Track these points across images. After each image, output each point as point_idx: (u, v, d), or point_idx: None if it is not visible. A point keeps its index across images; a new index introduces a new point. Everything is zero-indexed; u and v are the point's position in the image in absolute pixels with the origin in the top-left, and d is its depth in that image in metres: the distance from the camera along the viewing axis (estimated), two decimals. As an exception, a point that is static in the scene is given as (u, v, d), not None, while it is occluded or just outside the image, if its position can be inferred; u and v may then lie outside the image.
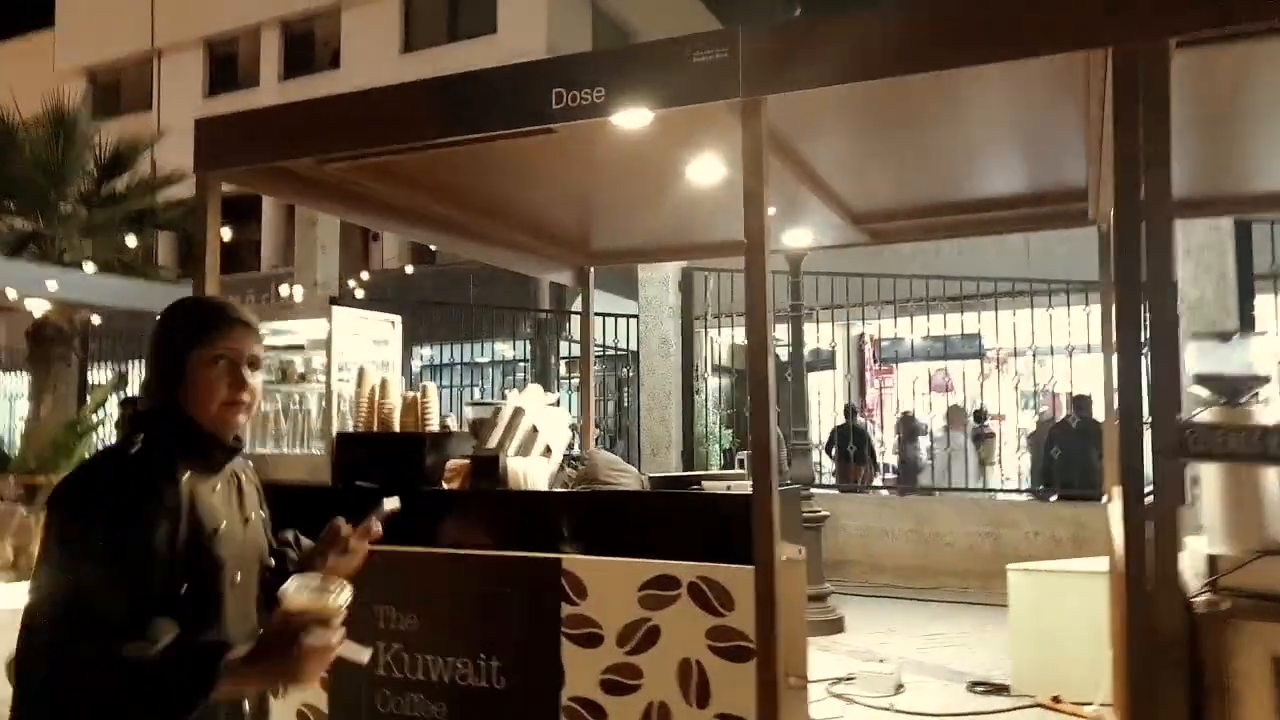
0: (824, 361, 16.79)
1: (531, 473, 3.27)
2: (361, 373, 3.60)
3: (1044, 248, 13.17)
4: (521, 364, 16.22)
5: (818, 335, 12.25)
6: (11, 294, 5.96)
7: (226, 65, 25.40)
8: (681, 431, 10.83)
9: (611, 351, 14.65)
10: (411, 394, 3.56)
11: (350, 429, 3.60)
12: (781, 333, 15.10)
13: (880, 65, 2.73)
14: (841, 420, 12.11)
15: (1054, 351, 14.35)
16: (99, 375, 12.88)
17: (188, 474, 1.63)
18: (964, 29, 2.63)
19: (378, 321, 3.84)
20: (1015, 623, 5.43)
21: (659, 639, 2.83)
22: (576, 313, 15.92)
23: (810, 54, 2.82)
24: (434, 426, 3.49)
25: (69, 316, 9.94)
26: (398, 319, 3.94)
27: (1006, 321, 10.57)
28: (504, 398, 3.51)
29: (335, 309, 3.61)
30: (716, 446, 11.42)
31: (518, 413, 3.35)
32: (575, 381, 15.42)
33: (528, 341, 16.20)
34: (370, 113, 3.49)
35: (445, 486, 3.39)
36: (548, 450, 3.48)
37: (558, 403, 3.57)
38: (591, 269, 6.54)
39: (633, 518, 3.02)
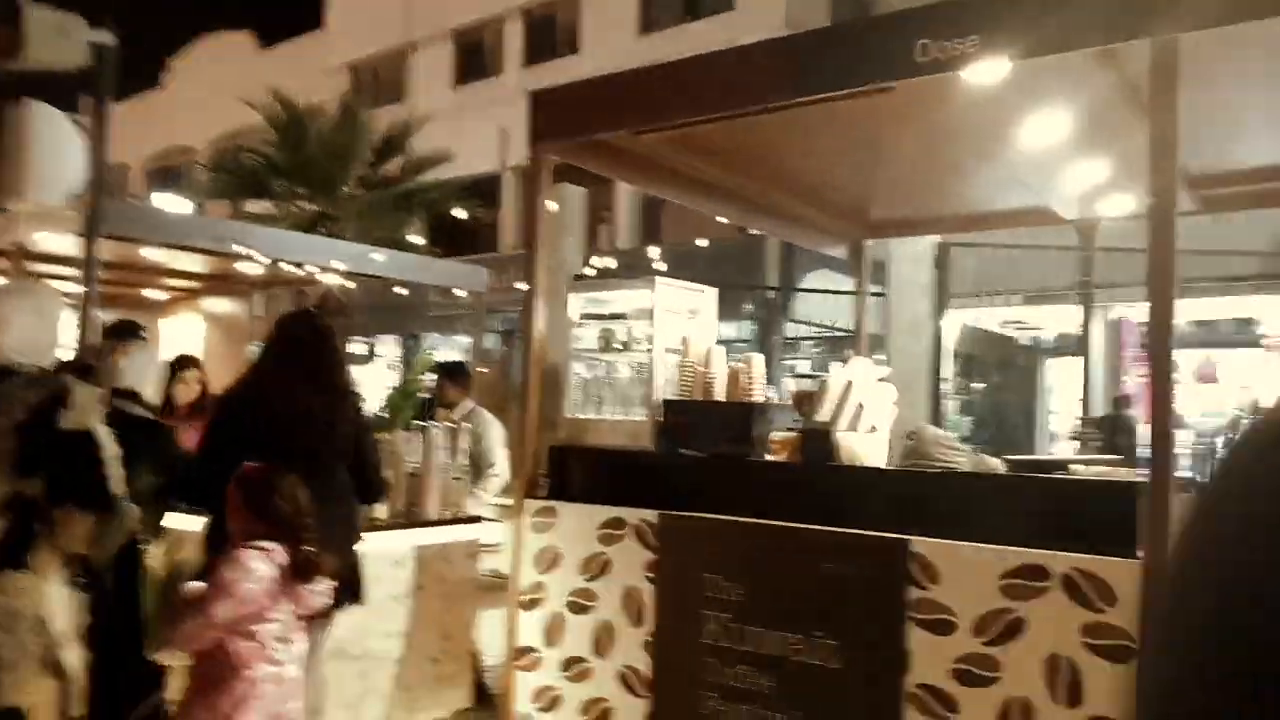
0: (1072, 346, 15.59)
1: (866, 449, 3.16)
2: (686, 342, 3.61)
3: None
4: (740, 344, 16.13)
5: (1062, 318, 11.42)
6: (336, 266, 6.48)
7: (473, 55, 26.74)
8: (930, 418, 10.38)
9: (839, 333, 14.27)
10: (736, 364, 3.53)
11: (673, 397, 3.62)
12: (1027, 314, 14.20)
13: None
14: (1110, 410, 11.20)
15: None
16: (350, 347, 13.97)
17: None
18: None
19: (691, 293, 3.83)
20: None
21: (1023, 631, 2.64)
22: (805, 290, 15.62)
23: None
24: (758, 398, 3.45)
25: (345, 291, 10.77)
26: (713, 291, 3.93)
27: None
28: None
29: (658, 280, 3.63)
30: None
31: (848, 386, 3.24)
32: (791, 364, 15.20)
33: (751, 320, 16.07)
34: (709, 77, 3.45)
35: (771, 458, 3.34)
36: (873, 427, 3.35)
37: (887, 378, 3.43)
38: (867, 241, 6.34)
39: (990, 501, 2.83)
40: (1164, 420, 2.52)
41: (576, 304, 3.91)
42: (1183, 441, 13.61)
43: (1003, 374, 15.27)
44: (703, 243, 12.91)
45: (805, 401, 3.42)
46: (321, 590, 2.68)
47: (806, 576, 3.04)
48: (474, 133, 21.79)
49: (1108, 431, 10.82)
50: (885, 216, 6.15)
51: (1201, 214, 5.18)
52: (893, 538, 2.86)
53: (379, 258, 6.54)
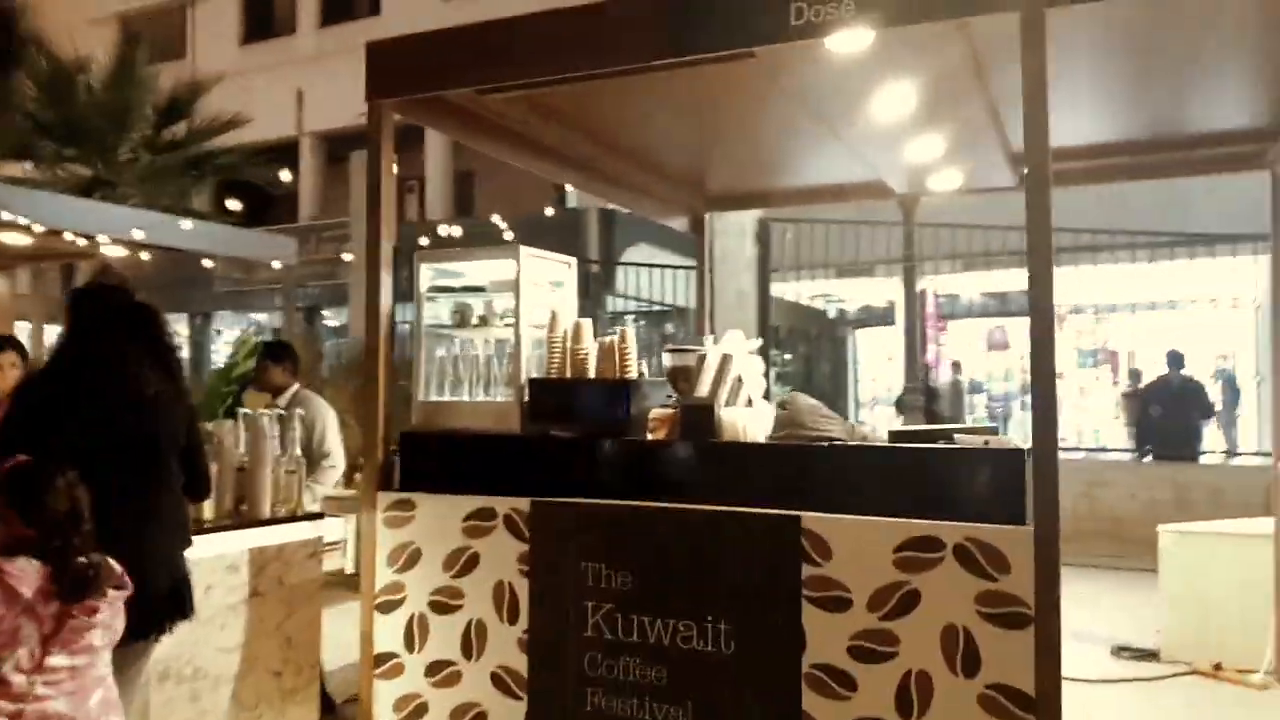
0: (877, 318, 16.50)
1: (750, 424, 3.06)
2: (554, 316, 3.37)
3: (1119, 200, 12.80)
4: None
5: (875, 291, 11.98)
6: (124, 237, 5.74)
7: (262, 11, 24.92)
8: (757, 388, 10.59)
9: (658, 307, 14.38)
10: (609, 339, 3.33)
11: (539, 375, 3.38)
12: (835, 287, 14.81)
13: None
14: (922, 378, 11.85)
15: (1116, 309, 14.00)
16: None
17: None
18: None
19: (555, 263, 3.60)
20: (1167, 587, 5.22)
21: (919, 604, 2.62)
22: (627, 264, 15.64)
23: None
24: (633, 374, 3.28)
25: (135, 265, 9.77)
26: (574, 260, 3.70)
27: (1070, 277, 10.23)
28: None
29: (523, 249, 3.37)
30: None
31: (726, 360, 3.12)
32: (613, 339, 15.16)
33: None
34: (562, 34, 3.22)
35: (650, 437, 3.18)
36: (749, 401, 3.26)
37: (758, 351, 3.34)
38: (707, 214, 6.30)
39: (880, 473, 2.79)
40: (1047, 390, 2.55)
41: (426, 275, 3.58)
42: (979, 403, 14.65)
43: (813, 345, 15.90)
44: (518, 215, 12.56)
45: (681, 376, 3.28)
46: (104, 610, 2.28)
47: (694, 560, 2.91)
48: (266, 95, 20.33)
49: (925, 398, 11.45)
50: (724, 189, 6.13)
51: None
52: (784, 515, 2.78)
53: (185, 225, 5.86)
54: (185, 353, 21.57)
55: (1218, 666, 4.92)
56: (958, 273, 11.50)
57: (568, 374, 3.32)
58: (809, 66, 3.58)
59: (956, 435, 2.81)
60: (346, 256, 10.75)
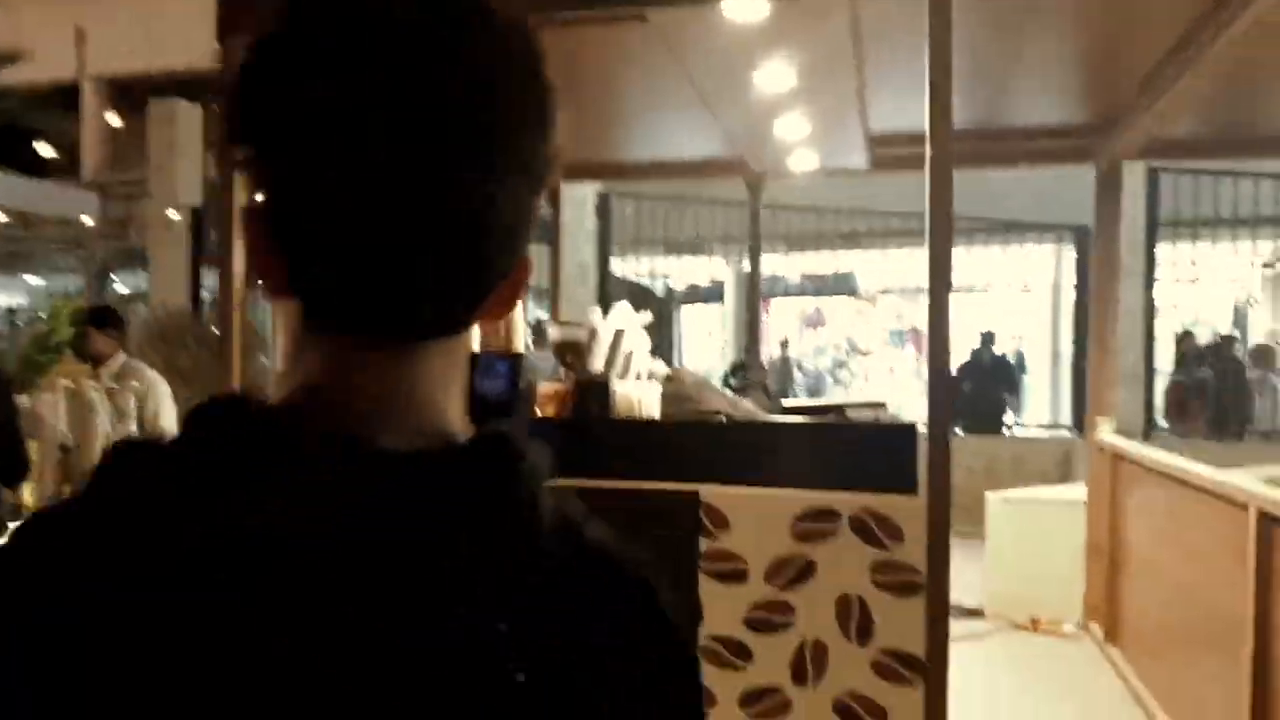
0: (703, 295, 16.89)
1: (645, 399, 3.01)
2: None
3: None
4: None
5: (701, 270, 12.25)
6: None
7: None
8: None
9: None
10: (490, 309, 3.18)
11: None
12: (665, 265, 15.03)
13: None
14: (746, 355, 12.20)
15: (924, 291, 14.95)
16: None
17: None
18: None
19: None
20: (993, 549, 5.61)
21: (815, 574, 2.66)
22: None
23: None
24: (519, 348, 3.14)
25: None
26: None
27: (882, 260, 10.83)
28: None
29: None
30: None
31: (620, 334, 3.06)
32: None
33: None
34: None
35: (539, 414, 3.07)
36: (638, 375, 3.21)
37: (649, 324, 3.30)
38: (564, 184, 6.19)
39: (778, 448, 2.81)
40: (941, 367, 2.64)
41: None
42: (797, 379, 15.25)
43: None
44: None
45: (570, 351, 3.18)
46: None
47: (586, 536, 2.84)
48: (37, 32, 18.37)
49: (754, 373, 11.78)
50: (578, 159, 6.03)
51: (874, 172, 5.65)
52: (684, 489, 2.75)
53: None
54: (-52, 318, 19.36)
55: (1035, 621, 5.34)
56: (779, 254, 11.90)
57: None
58: (695, 34, 3.56)
59: (848, 410, 2.87)
60: (174, 215, 9.88)
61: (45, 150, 7.85)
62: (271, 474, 0.50)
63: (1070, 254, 10.23)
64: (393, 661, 0.48)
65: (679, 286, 16.92)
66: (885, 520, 2.62)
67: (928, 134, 2.68)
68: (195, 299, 12.06)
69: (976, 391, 9.24)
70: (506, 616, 0.52)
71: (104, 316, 4.05)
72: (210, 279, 12.28)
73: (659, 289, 16.98)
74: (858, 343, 16.01)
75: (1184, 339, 9.60)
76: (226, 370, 3.07)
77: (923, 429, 2.66)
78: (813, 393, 14.06)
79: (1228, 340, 9.47)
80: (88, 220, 6.51)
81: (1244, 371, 9.31)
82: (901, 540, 2.61)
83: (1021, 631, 5.31)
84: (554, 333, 3.19)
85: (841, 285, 15.59)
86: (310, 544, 0.49)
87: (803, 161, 5.47)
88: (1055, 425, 10.16)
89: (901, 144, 5.50)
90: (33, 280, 18.36)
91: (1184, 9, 3.53)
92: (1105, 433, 5.17)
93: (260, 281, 0.57)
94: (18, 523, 0.56)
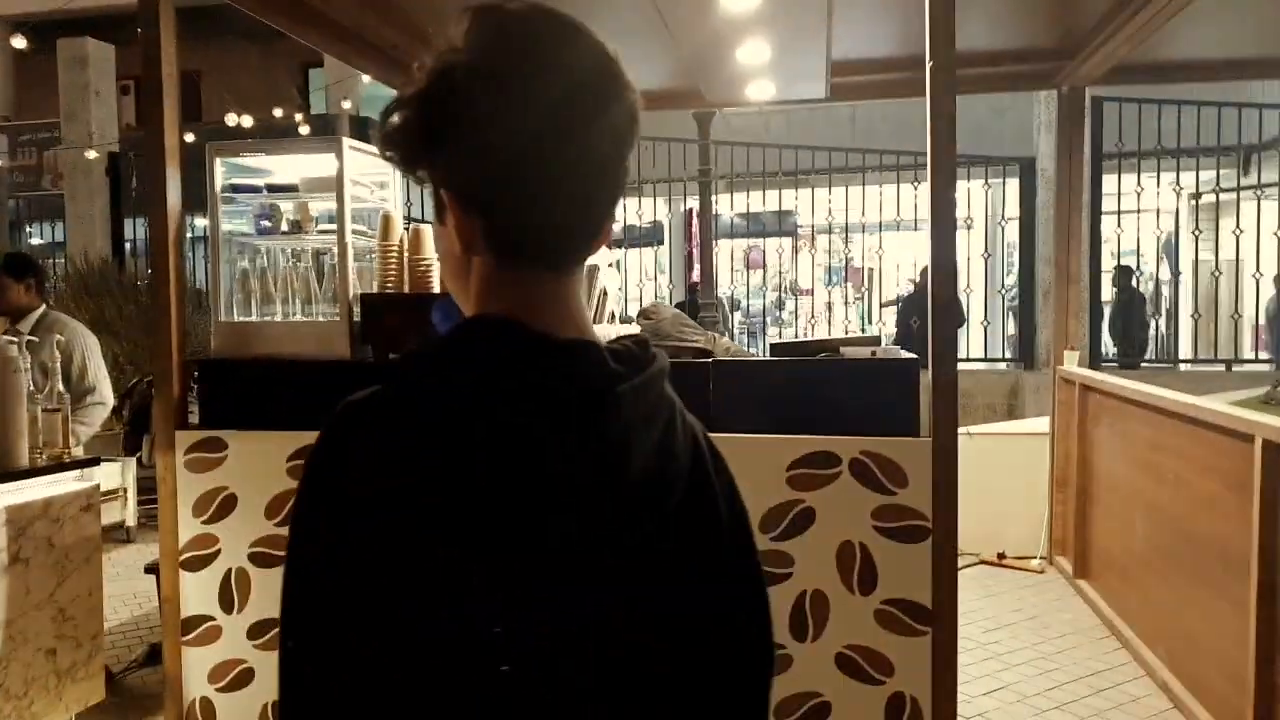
0: (644, 237, 16.62)
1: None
2: (387, 220, 2.91)
3: (868, 122, 13.46)
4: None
5: (640, 210, 11.96)
6: None
7: None
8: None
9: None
10: (452, 248, 2.93)
11: (372, 290, 2.94)
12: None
13: None
14: (686, 295, 12.06)
15: (865, 230, 14.96)
16: None
17: None
18: None
19: (376, 158, 3.11)
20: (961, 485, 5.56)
21: (814, 522, 2.52)
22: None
23: None
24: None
25: None
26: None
27: (821, 198, 10.69)
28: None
29: (346, 140, 2.86)
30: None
31: (594, 272, 2.84)
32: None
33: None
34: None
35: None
36: (613, 316, 3.01)
37: (616, 264, 3.08)
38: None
39: (770, 389, 2.64)
40: (948, 303, 2.49)
41: (220, 172, 2.99)
42: (738, 321, 15.14)
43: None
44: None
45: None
46: None
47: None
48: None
49: (689, 312, 11.63)
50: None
51: (830, 101, 5.44)
52: (672, 438, 2.57)
53: None
54: None
55: (1001, 555, 5.33)
56: (718, 193, 11.68)
57: (406, 289, 2.91)
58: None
59: (843, 348, 2.70)
60: (92, 155, 9.26)
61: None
62: (554, 359, 0.74)
63: (1006, 186, 10.22)
64: (652, 479, 0.76)
65: (617, 228, 16.63)
66: (888, 463, 2.48)
67: (928, 56, 2.49)
68: (118, 249, 11.45)
69: (924, 327, 9.19)
70: (702, 456, 0.86)
71: (21, 266, 3.69)
72: (132, 229, 11.69)
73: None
74: (798, 282, 15.97)
75: (1120, 272, 9.68)
76: (164, 316, 2.79)
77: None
78: (752, 333, 13.98)
79: (1124, 270, 9.58)
80: (-4, 162, 6.00)
81: (1142, 303, 9.50)
82: (905, 484, 2.47)
83: (987, 566, 5.30)
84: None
85: (778, 224, 15.43)
86: (597, 401, 0.73)
87: (759, 91, 5.23)
88: (998, 359, 10.22)
89: (860, 71, 5.31)
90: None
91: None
92: (1071, 364, 5.12)
93: (462, 243, 0.77)
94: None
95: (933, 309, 2.50)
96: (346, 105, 11.40)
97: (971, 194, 12.30)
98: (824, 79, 5.10)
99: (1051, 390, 5.39)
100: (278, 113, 10.18)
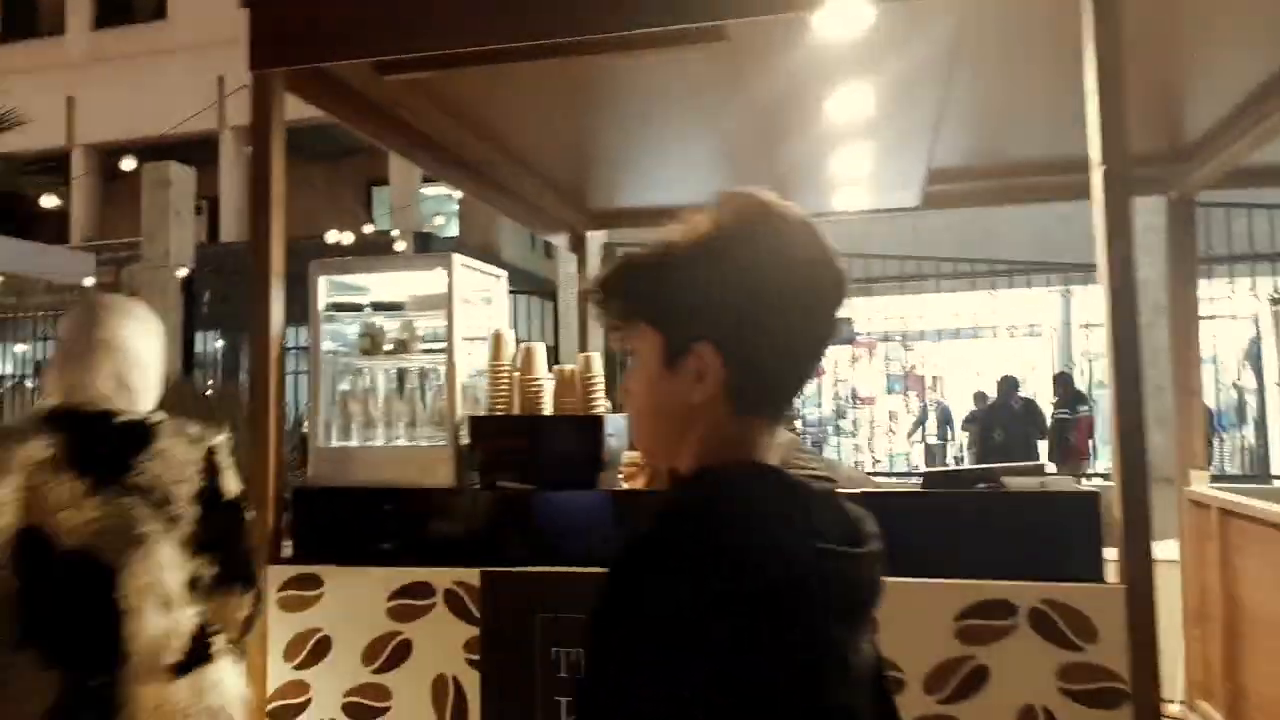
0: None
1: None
2: (499, 338, 2.74)
3: (930, 230, 13.33)
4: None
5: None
6: None
7: (23, 9, 22.24)
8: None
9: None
10: (568, 367, 2.74)
11: (482, 413, 2.74)
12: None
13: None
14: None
15: (924, 337, 14.68)
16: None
17: None
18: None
19: (483, 274, 2.97)
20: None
21: (987, 682, 2.20)
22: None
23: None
24: (601, 409, 2.70)
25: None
26: (504, 273, 3.07)
27: (879, 306, 10.48)
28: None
29: (455, 256, 2.72)
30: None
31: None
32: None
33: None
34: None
35: (623, 486, 2.62)
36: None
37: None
38: (589, 233, 5.80)
39: (926, 524, 2.36)
40: (1136, 420, 2.21)
41: (324, 290, 2.86)
42: (800, 429, 14.83)
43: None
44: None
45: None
46: None
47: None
48: (28, 101, 18.04)
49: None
50: (606, 205, 5.65)
51: (917, 210, 5.26)
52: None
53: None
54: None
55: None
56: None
57: (516, 410, 2.71)
58: (773, 53, 3.18)
59: (1004, 477, 2.42)
60: (181, 273, 9.41)
61: (48, 202, 7.41)
62: (801, 496, 0.89)
63: (1079, 293, 9.93)
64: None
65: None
66: (1073, 613, 2.17)
67: (1099, 155, 2.29)
68: (188, 364, 11.57)
69: (1010, 439, 8.82)
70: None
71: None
72: (202, 343, 11.82)
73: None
74: (859, 390, 15.60)
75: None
76: (263, 441, 2.60)
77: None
78: (816, 443, 13.60)
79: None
80: (88, 281, 6.08)
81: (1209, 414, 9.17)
82: (1095, 638, 2.15)
83: (1118, 709, 4.81)
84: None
85: (841, 332, 15.22)
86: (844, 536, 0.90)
87: (847, 200, 5.08)
88: (1088, 475, 9.74)
89: (951, 179, 5.10)
90: (19, 349, 17.78)
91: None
92: (1201, 484, 4.74)
93: (707, 394, 0.87)
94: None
95: (1119, 425, 2.20)
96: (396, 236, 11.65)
97: (1038, 300, 12.01)
98: (919, 187, 4.94)
99: (1177, 514, 4.98)
100: (342, 234, 10.34)
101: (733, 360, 0.86)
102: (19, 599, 1.52)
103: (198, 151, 15.36)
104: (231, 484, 1.80)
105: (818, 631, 0.80)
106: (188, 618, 1.65)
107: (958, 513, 2.37)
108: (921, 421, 13.91)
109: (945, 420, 13.29)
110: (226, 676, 1.71)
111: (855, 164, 4.44)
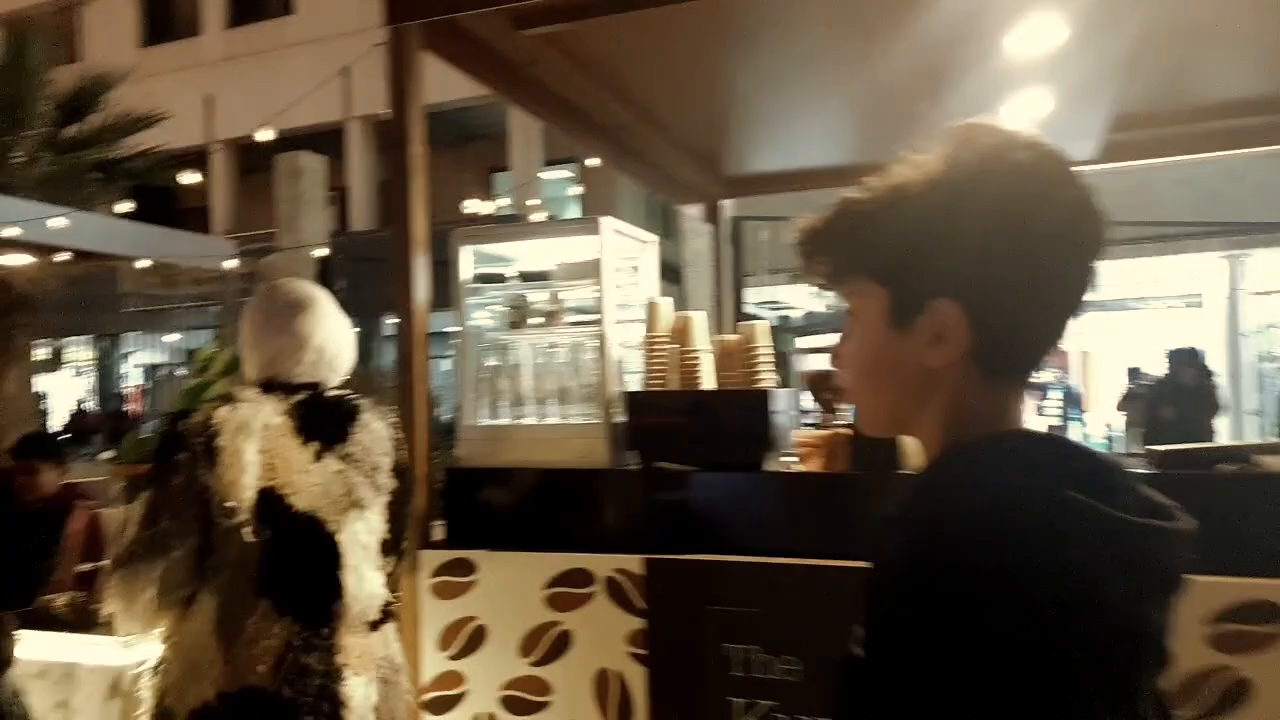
0: (821, 324, 15.84)
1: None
2: (654, 308, 2.53)
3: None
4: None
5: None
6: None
7: (163, 12, 23.27)
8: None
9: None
10: (730, 338, 2.50)
11: (636, 388, 2.53)
12: (782, 294, 14.14)
13: None
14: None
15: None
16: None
17: None
18: None
19: (633, 240, 2.75)
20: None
21: (1247, 698, 1.86)
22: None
23: None
24: (768, 383, 2.45)
25: (38, 279, 8.54)
26: (654, 238, 2.85)
27: None
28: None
29: (605, 219, 2.52)
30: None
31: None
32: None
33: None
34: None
35: (796, 467, 2.37)
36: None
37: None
38: (723, 201, 5.54)
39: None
40: None
41: (467, 262, 2.69)
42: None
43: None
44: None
45: (825, 386, 2.47)
46: None
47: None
48: (170, 101, 18.84)
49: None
50: (741, 170, 5.36)
51: (1112, 162, 4.78)
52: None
53: (116, 225, 4.82)
54: (90, 378, 19.86)
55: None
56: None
57: (676, 384, 2.48)
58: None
59: (1255, 456, 2.06)
60: (317, 254, 9.59)
61: (188, 179, 7.68)
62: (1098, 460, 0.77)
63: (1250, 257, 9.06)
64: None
65: (796, 316, 15.93)
66: (1360, 619, 1.80)
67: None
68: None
69: (1183, 418, 8.08)
70: None
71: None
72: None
73: (773, 320, 16.03)
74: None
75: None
76: (412, 419, 2.45)
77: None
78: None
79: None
80: (230, 264, 6.18)
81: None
82: (1389, 648, 1.78)
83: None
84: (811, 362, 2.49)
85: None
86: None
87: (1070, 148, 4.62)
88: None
89: (1126, 127, 4.55)
90: (168, 339, 18.70)
91: None
92: None
93: (947, 356, 0.76)
94: None
95: None
96: (533, 203, 11.60)
97: (1198, 267, 11.07)
98: (1097, 137, 4.48)
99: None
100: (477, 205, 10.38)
101: (978, 318, 0.75)
102: (260, 552, 1.62)
103: (328, 142, 15.76)
104: (406, 459, 1.90)
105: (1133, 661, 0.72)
106: (382, 579, 1.77)
107: (1204, 498, 2.02)
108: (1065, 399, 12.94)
109: (1072, 401, 12.25)
110: (394, 634, 1.82)
111: (1029, 113, 4.03)
